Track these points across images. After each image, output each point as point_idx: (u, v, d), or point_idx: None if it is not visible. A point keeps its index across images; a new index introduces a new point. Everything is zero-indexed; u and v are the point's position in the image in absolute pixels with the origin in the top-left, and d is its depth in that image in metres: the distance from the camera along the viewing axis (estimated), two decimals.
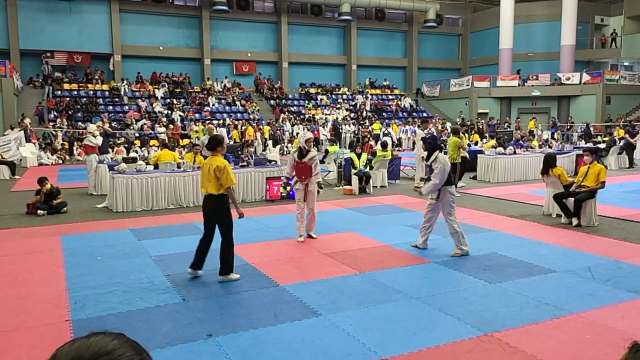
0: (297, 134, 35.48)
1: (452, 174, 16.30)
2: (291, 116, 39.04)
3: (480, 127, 39.07)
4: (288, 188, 13.25)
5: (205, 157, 17.23)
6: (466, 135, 21.94)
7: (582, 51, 46.42)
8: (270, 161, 18.18)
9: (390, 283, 7.86)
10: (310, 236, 10.84)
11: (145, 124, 34.13)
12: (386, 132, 34.08)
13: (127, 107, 36.93)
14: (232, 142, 28.73)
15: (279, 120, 38.16)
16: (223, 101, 40.79)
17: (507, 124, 39.42)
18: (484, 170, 20.11)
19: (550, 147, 23.74)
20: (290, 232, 11.43)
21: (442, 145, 10.49)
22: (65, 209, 14.17)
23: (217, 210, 7.92)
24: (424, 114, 44.62)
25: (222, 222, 7.97)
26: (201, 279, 8.12)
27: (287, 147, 33.74)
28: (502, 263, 8.87)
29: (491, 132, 34.45)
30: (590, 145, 24.48)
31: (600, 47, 47.53)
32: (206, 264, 8.83)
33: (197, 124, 34.27)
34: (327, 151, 22.35)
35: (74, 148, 30.97)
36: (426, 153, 9.74)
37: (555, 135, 34.13)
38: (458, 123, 31.93)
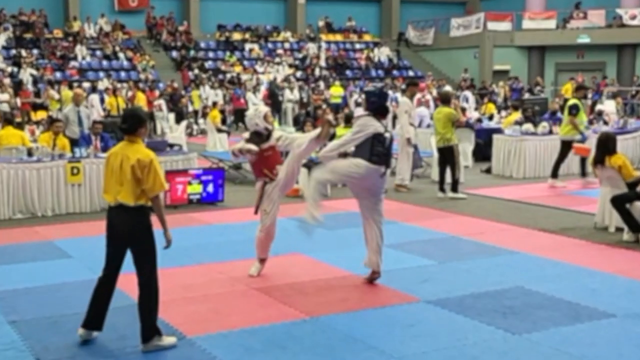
0: (214, 102, 35.18)
1: (449, 162, 16.60)
2: (203, 76, 38.75)
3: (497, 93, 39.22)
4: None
5: (72, 140, 16.99)
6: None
7: None
8: (171, 145, 17.95)
9: (358, 334, 7.82)
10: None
11: None
12: (359, 100, 33.88)
13: None
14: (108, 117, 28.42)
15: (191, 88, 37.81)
16: (98, 53, 40.40)
17: (538, 88, 39.45)
18: (503, 159, 20.09)
19: (605, 122, 23.53)
20: (203, 255, 11.39)
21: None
22: None
23: (134, 231, 7.40)
24: (410, 73, 44.84)
25: (141, 249, 7.44)
26: (62, 327, 7.93)
27: (196, 124, 33.39)
28: (532, 303, 8.90)
29: (516, 99, 34.36)
30: None
31: None
32: (71, 304, 8.62)
33: (59, 87, 33.72)
34: None
35: None
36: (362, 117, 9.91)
37: (604, 105, 34.21)
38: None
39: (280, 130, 10.85)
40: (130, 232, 7.39)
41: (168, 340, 7.46)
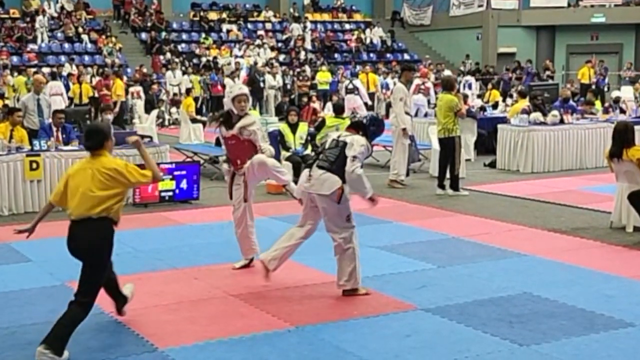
0: (187, 89, 35.07)
1: (449, 156, 16.57)
2: (176, 60, 38.63)
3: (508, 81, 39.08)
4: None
5: (31, 131, 16.91)
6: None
7: None
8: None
9: (348, 346, 7.82)
10: (249, 262, 10.91)
11: None
12: (351, 86, 33.75)
13: None
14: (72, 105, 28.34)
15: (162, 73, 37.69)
16: (60, 35, 40.31)
17: (548, 72, 39.28)
18: (509, 151, 20.07)
19: (622, 111, 23.58)
20: (177, 258, 11.36)
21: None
22: None
23: (97, 243, 7.55)
24: (406, 56, 44.78)
25: (96, 263, 7.56)
26: (21, 339, 7.89)
27: (168, 113, 33.28)
28: (541, 311, 8.91)
29: (527, 85, 34.06)
30: None
31: None
32: (30, 313, 8.60)
33: (16, 73, 33.59)
34: None
35: None
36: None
37: (622, 92, 34.14)
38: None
39: (254, 118, 10.66)
40: (93, 245, 7.51)
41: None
